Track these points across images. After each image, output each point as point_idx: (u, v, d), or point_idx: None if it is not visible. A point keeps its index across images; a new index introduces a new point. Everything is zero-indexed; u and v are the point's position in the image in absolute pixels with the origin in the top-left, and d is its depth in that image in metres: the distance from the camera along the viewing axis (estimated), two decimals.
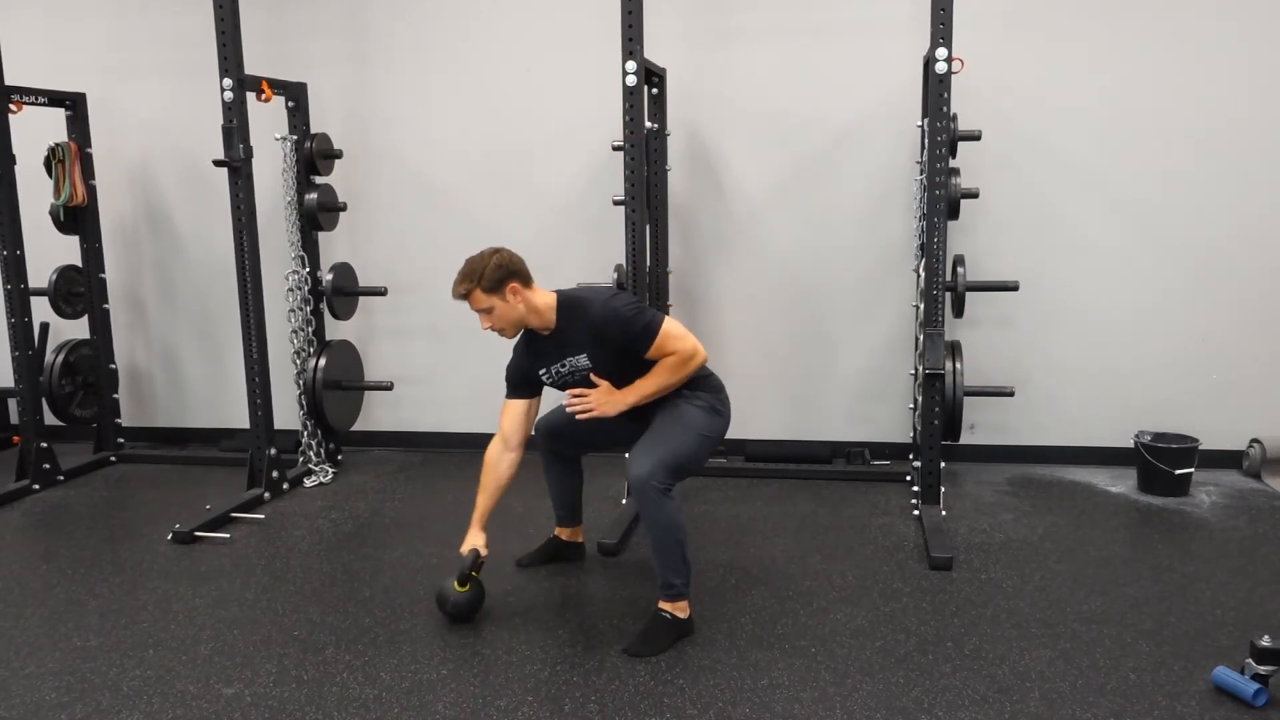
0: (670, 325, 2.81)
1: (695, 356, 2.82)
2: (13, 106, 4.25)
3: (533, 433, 3.17)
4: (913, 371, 4.19)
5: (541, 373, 2.97)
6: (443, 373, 4.93)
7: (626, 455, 2.93)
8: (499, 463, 3.04)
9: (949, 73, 3.53)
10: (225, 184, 4.01)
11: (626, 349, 2.80)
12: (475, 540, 3.00)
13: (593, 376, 2.87)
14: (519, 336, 3.01)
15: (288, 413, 4.53)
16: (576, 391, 2.90)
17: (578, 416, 2.89)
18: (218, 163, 3.94)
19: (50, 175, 4.52)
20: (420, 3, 4.64)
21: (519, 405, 3.03)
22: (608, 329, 2.79)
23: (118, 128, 4.92)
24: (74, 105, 4.61)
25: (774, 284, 4.55)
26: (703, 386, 2.94)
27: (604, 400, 2.85)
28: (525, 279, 2.85)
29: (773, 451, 4.58)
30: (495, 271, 2.78)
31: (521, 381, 3.03)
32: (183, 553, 3.59)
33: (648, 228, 3.95)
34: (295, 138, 4.38)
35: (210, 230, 4.89)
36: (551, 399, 3.16)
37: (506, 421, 3.04)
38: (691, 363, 2.82)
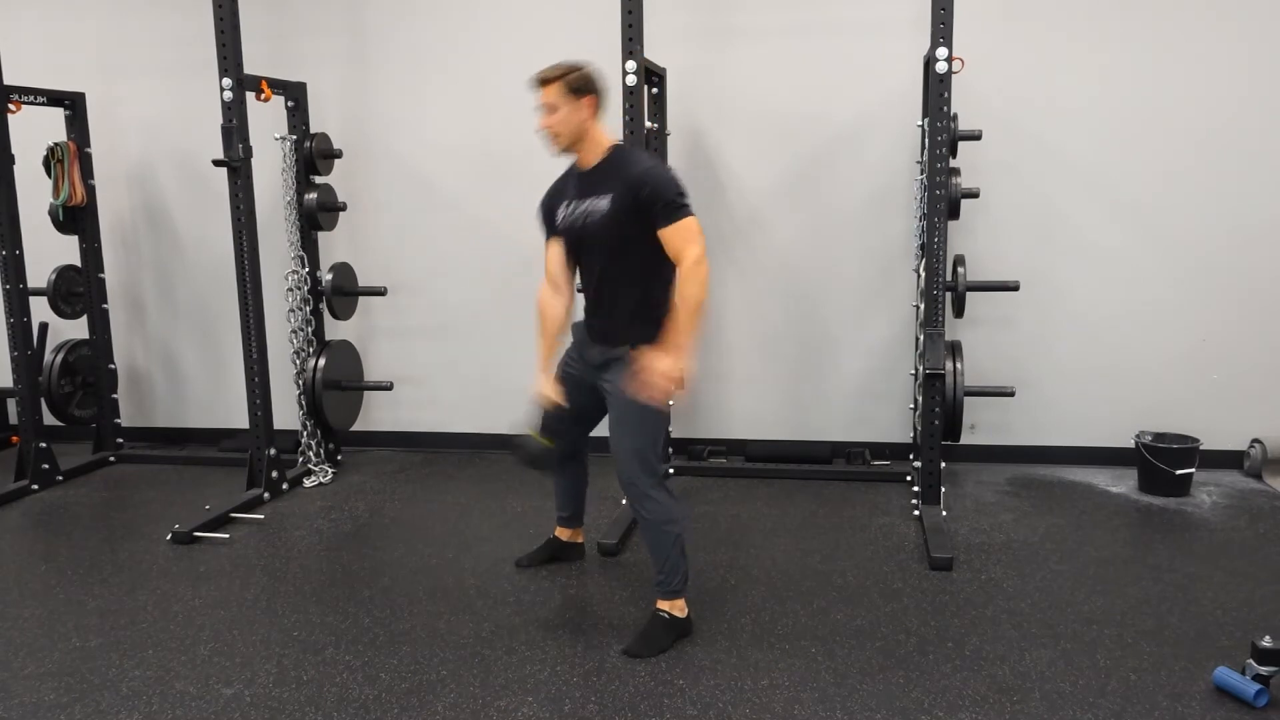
0: (695, 222, 2.69)
1: (703, 265, 2.64)
2: (12, 106, 4.25)
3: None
4: (913, 371, 4.18)
5: (559, 208, 2.90)
6: (443, 373, 4.93)
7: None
8: (551, 306, 2.97)
9: (949, 73, 3.53)
10: (225, 184, 4.01)
11: (647, 214, 2.68)
12: (552, 387, 2.95)
13: (634, 361, 2.71)
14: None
15: (287, 413, 4.53)
16: (635, 383, 2.71)
17: (652, 399, 2.71)
18: (217, 163, 3.94)
19: (49, 175, 4.52)
20: (420, 2, 4.64)
21: (558, 244, 2.95)
22: (648, 182, 2.68)
23: (117, 128, 4.92)
24: (73, 105, 4.61)
25: (774, 284, 4.55)
26: (658, 330, 2.78)
27: (658, 373, 2.64)
28: (601, 106, 2.81)
29: (773, 451, 4.57)
30: (583, 79, 2.76)
31: (551, 219, 2.95)
32: (182, 553, 3.59)
33: None
34: (295, 138, 4.38)
35: (210, 230, 4.89)
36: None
37: (550, 263, 2.96)
38: (701, 272, 2.63)
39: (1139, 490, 4.08)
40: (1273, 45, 4.04)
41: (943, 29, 3.51)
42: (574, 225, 2.84)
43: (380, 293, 4.62)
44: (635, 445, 2.75)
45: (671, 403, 2.86)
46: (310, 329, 4.49)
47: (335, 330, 4.71)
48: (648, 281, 2.79)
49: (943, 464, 3.81)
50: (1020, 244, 4.31)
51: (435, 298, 4.83)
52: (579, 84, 2.75)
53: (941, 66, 3.52)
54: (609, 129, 2.87)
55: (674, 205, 2.67)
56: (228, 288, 4.24)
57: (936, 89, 3.55)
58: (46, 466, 4.42)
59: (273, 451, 4.21)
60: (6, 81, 4.22)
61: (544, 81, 2.77)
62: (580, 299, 2.98)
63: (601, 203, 2.75)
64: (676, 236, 2.67)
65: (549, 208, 2.96)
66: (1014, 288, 4.04)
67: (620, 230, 2.73)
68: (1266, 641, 2.41)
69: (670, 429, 4.08)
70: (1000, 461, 4.48)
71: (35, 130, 4.56)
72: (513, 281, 4.61)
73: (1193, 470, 3.99)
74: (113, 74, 4.88)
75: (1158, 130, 4.17)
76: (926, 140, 3.75)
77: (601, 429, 2.98)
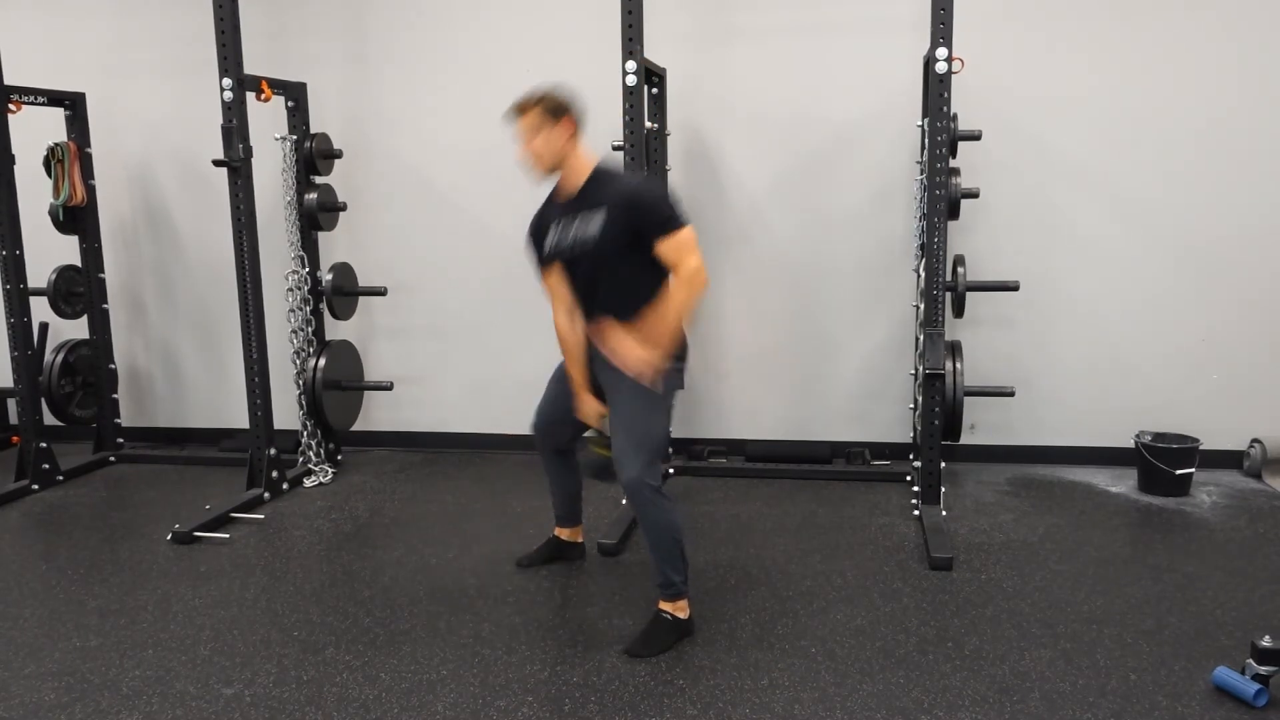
0: (691, 231, 2.71)
1: (702, 275, 2.69)
2: (12, 106, 4.25)
3: (531, 432, 3.18)
4: (913, 371, 4.19)
5: (546, 240, 2.88)
6: (443, 373, 4.93)
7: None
8: (571, 331, 2.95)
9: (949, 73, 3.53)
10: (225, 184, 4.01)
11: (642, 231, 2.69)
12: (594, 403, 2.93)
13: (604, 326, 2.76)
14: (538, 209, 2.94)
15: (288, 413, 4.53)
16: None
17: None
18: (217, 163, 3.94)
19: (49, 175, 4.52)
20: (420, 2, 4.64)
21: (557, 269, 2.92)
22: (641, 200, 2.71)
23: (117, 128, 4.92)
24: (73, 105, 4.61)
25: (774, 284, 4.55)
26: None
27: (636, 357, 2.70)
28: (580, 127, 2.79)
29: (773, 451, 4.57)
30: (560, 102, 2.75)
31: (540, 246, 2.94)
32: (182, 553, 3.59)
33: None
34: (295, 138, 4.38)
35: (210, 230, 4.89)
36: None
37: (558, 289, 2.93)
38: (699, 281, 2.68)
39: (1139, 490, 4.08)
40: (1271, 45, 4.04)
41: (943, 29, 3.51)
42: (564, 249, 2.84)
43: (380, 293, 4.62)
44: (639, 447, 2.74)
45: (672, 404, 2.87)
46: (310, 329, 4.49)
47: (335, 330, 4.71)
48: (647, 293, 2.79)
49: (943, 464, 3.81)
50: (1020, 244, 4.31)
51: (435, 298, 4.83)
52: (556, 107, 2.75)
53: (941, 66, 3.53)
54: (589, 150, 2.85)
55: (669, 219, 2.69)
56: (228, 288, 4.24)
57: (936, 89, 3.56)
58: (47, 466, 4.42)
59: (273, 451, 4.21)
60: (6, 81, 4.22)
61: (521, 109, 2.77)
62: None
63: (593, 224, 2.75)
64: (674, 250, 2.68)
65: (537, 236, 2.94)
66: (1014, 288, 4.04)
67: (615, 249, 2.73)
68: (1266, 641, 2.41)
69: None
70: (1000, 461, 4.48)
71: (35, 130, 4.56)
72: (513, 281, 4.59)
73: (1192, 470, 3.99)
74: (113, 74, 4.88)
75: (1157, 130, 4.17)
76: (926, 140, 3.75)
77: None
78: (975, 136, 3.89)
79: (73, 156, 4.54)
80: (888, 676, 2.59)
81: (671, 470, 4.38)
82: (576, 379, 2.98)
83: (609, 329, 2.78)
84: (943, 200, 3.64)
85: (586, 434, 2.99)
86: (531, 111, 2.75)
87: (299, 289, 4.44)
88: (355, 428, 4.79)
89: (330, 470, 4.52)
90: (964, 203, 3.89)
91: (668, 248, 2.68)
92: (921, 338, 3.80)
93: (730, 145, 4.49)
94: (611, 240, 2.73)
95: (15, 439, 4.74)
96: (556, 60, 4.55)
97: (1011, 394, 4.04)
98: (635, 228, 2.70)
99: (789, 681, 2.57)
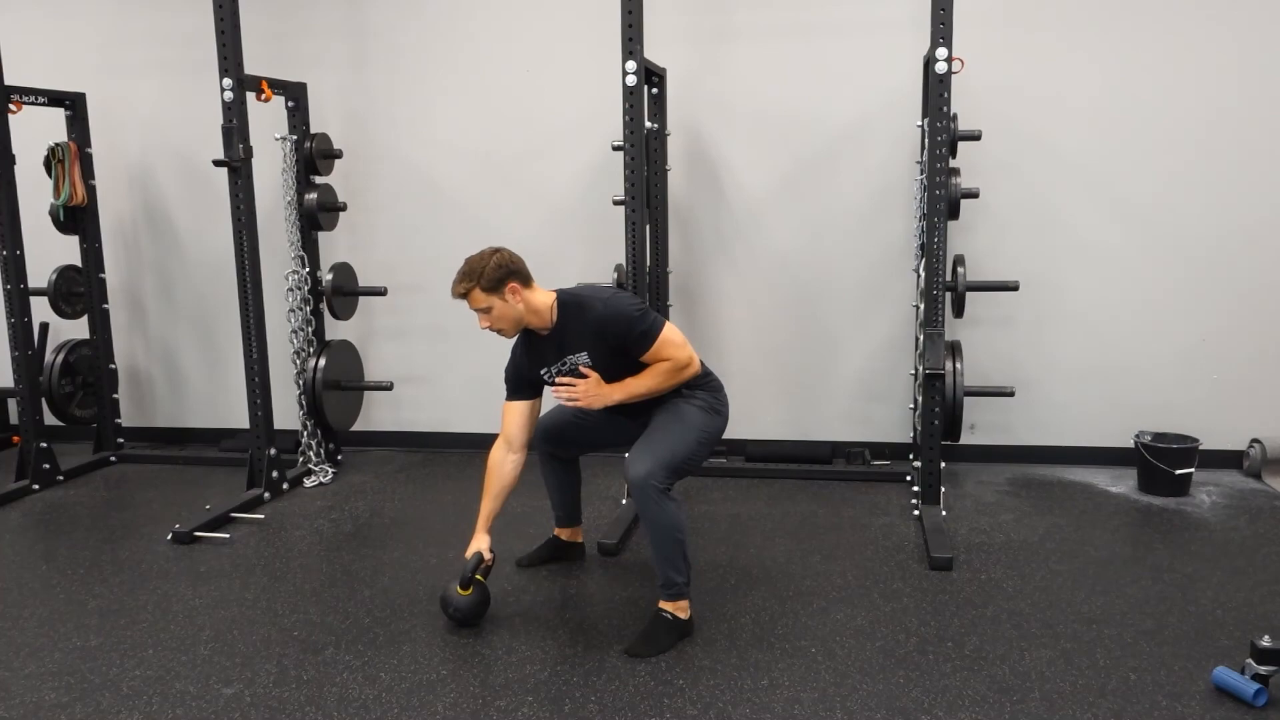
0: (670, 332, 2.82)
1: (689, 367, 2.84)
2: (12, 106, 4.25)
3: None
4: (913, 371, 4.19)
5: (542, 372, 2.96)
6: (443, 373, 4.94)
7: (626, 455, 2.92)
8: (503, 465, 3.02)
9: (949, 73, 3.53)
10: (225, 184, 4.01)
11: (624, 349, 2.81)
12: (480, 544, 2.99)
13: (582, 368, 2.87)
14: (517, 337, 3.01)
15: (288, 413, 4.53)
16: (565, 380, 2.89)
17: (563, 403, 2.93)
18: (217, 163, 3.94)
19: (50, 175, 4.52)
20: (421, 3, 4.64)
21: (520, 406, 3.02)
22: (609, 327, 2.79)
23: (117, 128, 4.92)
24: (74, 105, 4.61)
25: (774, 284, 4.55)
26: (702, 385, 2.95)
27: (591, 392, 2.85)
28: (525, 279, 2.85)
29: (773, 451, 4.58)
30: (495, 271, 2.78)
31: (521, 383, 3.02)
32: (182, 553, 3.59)
33: (648, 228, 3.95)
34: (295, 138, 4.38)
35: (210, 230, 4.89)
36: (551, 401, 3.15)
37: (509, 423, 3.02)
38: (684, 372, 2.84)
39: (1139, 490, 4.08)
40: (1271, 44, 4.04)
41: (943, 29, 3.51)
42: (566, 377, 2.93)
43: (380, 293, 4.62)
44: (655, 454, 2.76)
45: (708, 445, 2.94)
46: (310, 329, 4.49)
47: (335, 330, 4.71)
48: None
49: (943, 464, 3.81)
50: (1020, 244, 4.31)
51: (436, 298, 4.79)
52: (493, 280, 2.78)
53: (941, 66, 3.53)
54: (541, 291, 2.89)
55: (643, 333, 2.78)
56: (228, 288, 4.24)
57: (936, 89, 3.56)
58: (47, 466, 4.42)
59: (273, 451, 4.21)
60: (7, 81, 4.22)
61: (463, 293, 2.82)
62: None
63: (580, 359, 2.87)
64: (658, 357, 2.80)
65: (525, 374, 3.00)
66: (1014, 288, 4.04)
67: (612, 367, 2.85)
68: (1266, 641, 2.41)
69: None
70: (1000, 461, 4.48)
71: (35, 130, 4.57)
72: None
73: (1192, 470, 3.99)
74: (113, 74, 4.88)
75: (1157, 130, 4.17)
76: (926, 140, 3.75)
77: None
78: (975, 136, 3.89)
79: (73, 156, 4.54)
80: (888, 676, 2.59)
81: None
82: (483, 512, 3.03)
83: (593, 376, 2.86)
84: (943, 200, 3.64)
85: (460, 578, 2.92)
86: (473, 294, 2.80)
87: (299, 289, 4.44)
88: (355, 428, 4.79)
89: (330, 470, 4.52)
90: (964, 203, 3.89)
91: (653, 358, 2.81)
92: (921, 338, 3.80)
93: (730, 145, 4.49)
94: (602, 366, 2.85)
95: (15, 439, 4.74)
96: (556, 60, 4.55)
97: (1011, 394, 4.04)
98: (618, 348, 2.81)
99: (789, 681, 2.57)
